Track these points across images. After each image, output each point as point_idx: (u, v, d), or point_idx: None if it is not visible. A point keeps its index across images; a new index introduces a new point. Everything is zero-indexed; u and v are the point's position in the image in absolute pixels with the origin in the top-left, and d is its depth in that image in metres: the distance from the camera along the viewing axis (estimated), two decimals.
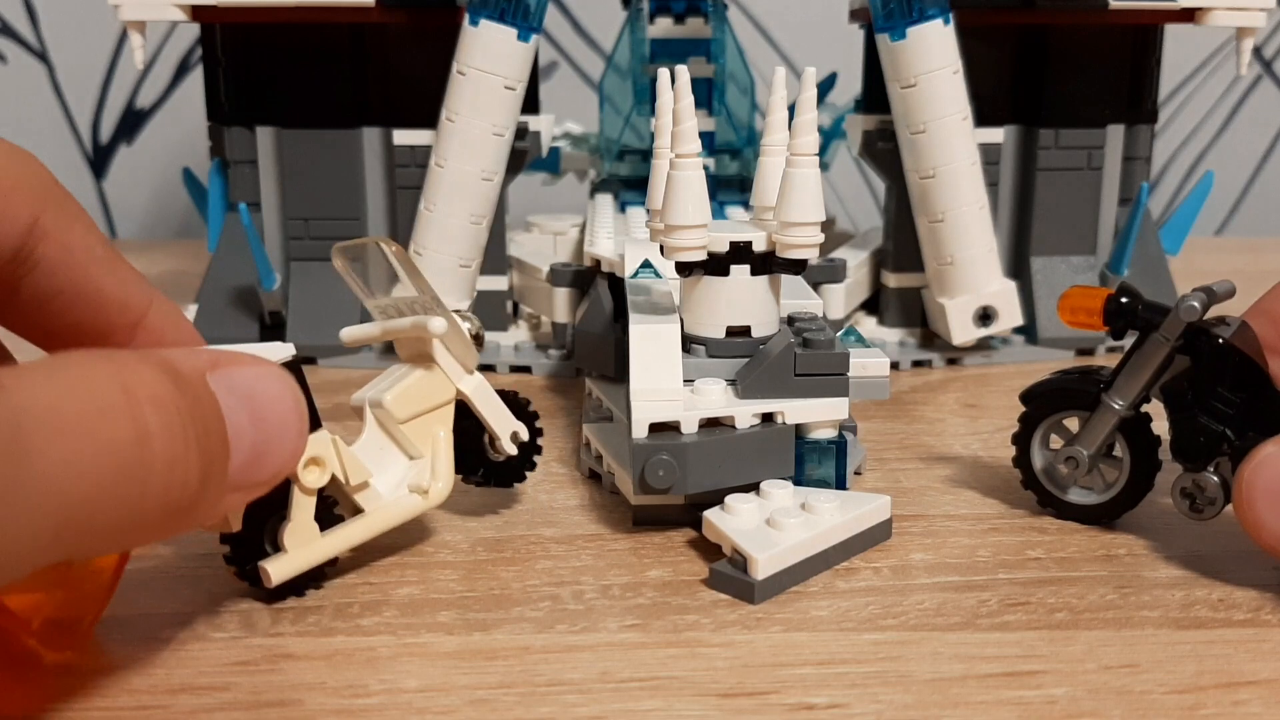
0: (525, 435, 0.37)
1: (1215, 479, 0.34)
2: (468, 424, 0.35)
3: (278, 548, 0.31)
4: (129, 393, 0.23)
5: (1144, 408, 0.36)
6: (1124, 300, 0.35)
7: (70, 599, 0.28)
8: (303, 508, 0.31)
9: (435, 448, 0.34)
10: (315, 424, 0.31)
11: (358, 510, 0.33)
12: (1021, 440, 0.38)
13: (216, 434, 0.25)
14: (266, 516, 0.31)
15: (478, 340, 0.35)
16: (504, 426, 0.36)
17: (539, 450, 0.38)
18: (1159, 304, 0.35)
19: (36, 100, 0.94)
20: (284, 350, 0.30)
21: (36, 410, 0.21)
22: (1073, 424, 0.37)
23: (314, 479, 0.31)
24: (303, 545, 0.31)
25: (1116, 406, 0.35)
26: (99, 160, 0.96)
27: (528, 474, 0.38)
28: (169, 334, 0.32)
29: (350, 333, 0.36)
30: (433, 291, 0.33)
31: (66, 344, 0.31)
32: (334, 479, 0.32)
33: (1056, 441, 0.38)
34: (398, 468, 0.34)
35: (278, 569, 0.31)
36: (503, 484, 0.38)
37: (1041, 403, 0.37)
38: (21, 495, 0.20)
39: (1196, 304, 0.33)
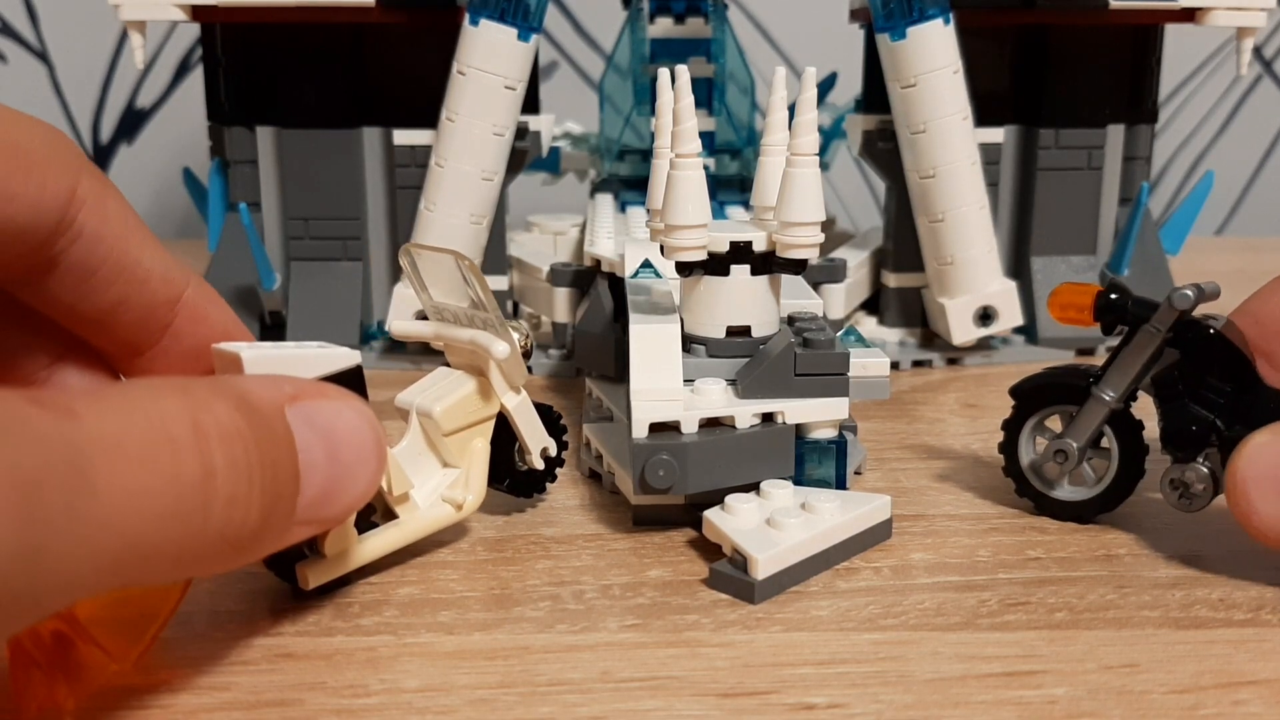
0: (554, 451, 0.37)
1: (1205, 469, 0.34)
2: (501, 434, 0.36)
3: (315, 550, 0.31)
4: (198, 428, 0.23)
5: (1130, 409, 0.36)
6: (1114, 296, 0.35)
7: (135, 609, 0.28)
8: None
9: (473, 459, 0.35)
10: None
11: (390, 515, 0.33)
12: (1009, 433, 0.38)
13: (286, 470, 0.25)
14: None
15: (526, 354, 0.35)
16: (537, 442, 0.36)
17: (562, 463, 0.38)
18: (1148, 299, 0.35)
19: (36, 100, 0.94)
20: (349, 357, 0.30)
21: (105, 440, 0.21)
22: (1055, 425, 0.37)
23: None
24: (341, 551, 0.31)
25: (1107, 398, 0.36)
26: (99, 160, 0.96)
27: (548, 485, 0.38)
28: (210, 312, 0.32)
29: (402, 328, 0.36)
30: (499, 311, 0.33)
31: (107, 326, 0.30)
32: None
33: (1041, 443, 0.38)
34: (433, 476, 0.35)
35: (315, 574, 0.31)
36: (524, 494, 0.37)
37: (1030, 397, 0.38)
38: (84, 523, 0.20)
39: (1190, 293, 0.34)
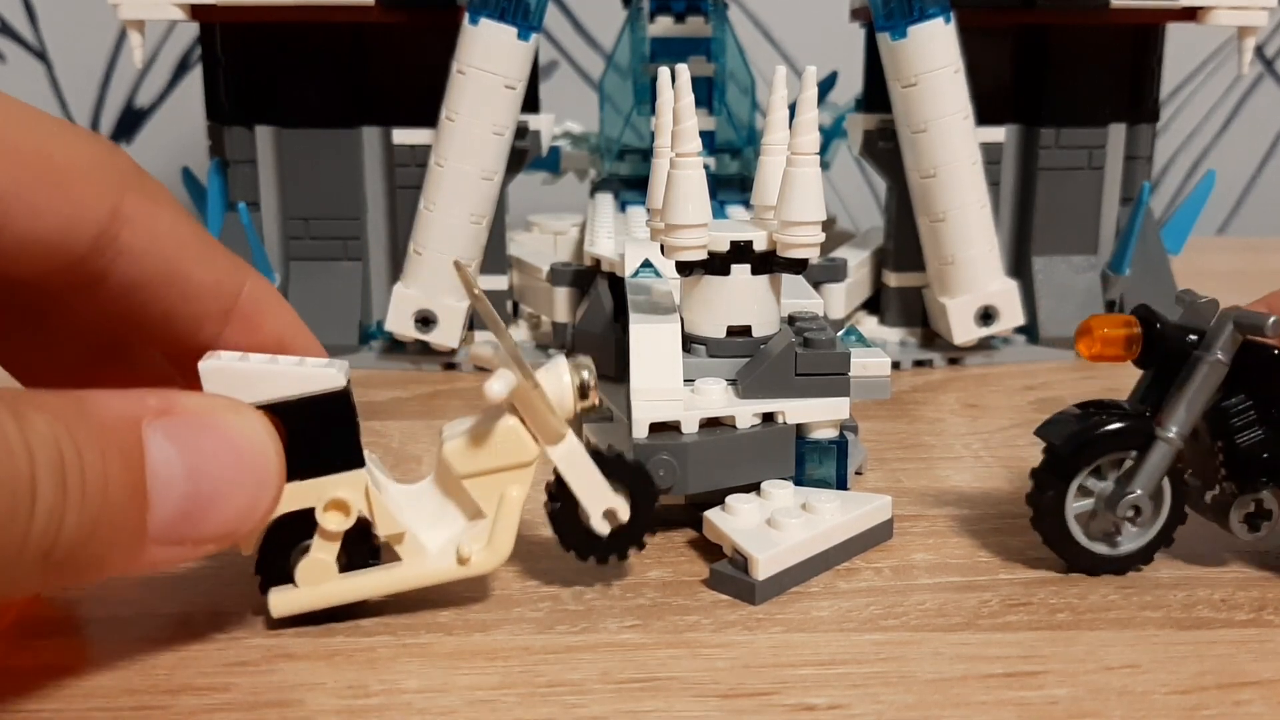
0: (624, 515, 0.31)
1: (1274, 497, 0.32)
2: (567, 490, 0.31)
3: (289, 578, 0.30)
4: (6, 435, 0.22)
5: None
6: (1157, 326, 0.33)
7: None
8: (322, 548, 0.30)
9: (500, 510, 0.30)
10: (356, 461, 0.29)
11: (398, 558, 0.30)
12: (1056, 492, 0.33)
13: (119, 485, 0.24)
14: (298, 540, 0.30)
15: (583, 392, 0.30)
16: (596, 503, 0.31)
17: (647, 527, 0.32)
18: (1185, 325, 0.33)
19: (35, 99, 0.94)
20: (332, 380, 0.29)
21: None
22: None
23: (335, 523, 0.29)
24: (313, 584, 0.30)
25: (1172, 437, 0.32)
26: None
27: (633, 551, 0.32)
28: (266, 318, 0.31)
29: (482, 351, 0.31)
30: (514, 345, 0.29)
31: (158, 334, 0.30)
32: None
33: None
34: (457, 521, 0.31)
35: (281, 602, 0.30)
36: (584, 558, 0.32)
37: (1079, 452, 0.32)
38: None
39: (1257, 320, 0.31)
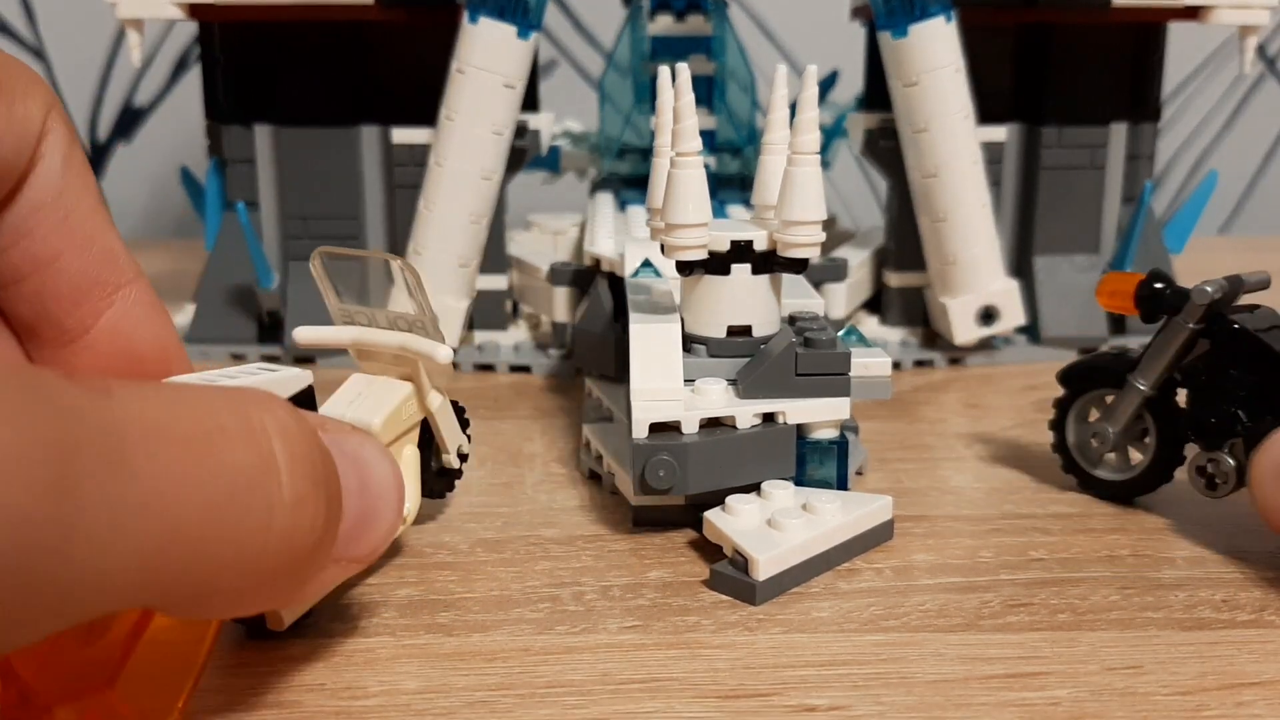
0: (467, 447, 0.35)
1: (1230, 459, 0.35)
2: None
3: None
4: (251, 420, 0.21)
5: None
6: (1156, 285, 0.36)
7: (167, 661, 0.25)
8: None
9: (406, 468, 0.32)
10: None
11: None
12: (1059, 412, 0.40)
13: (336, 488, 0.23)
14: None
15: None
16: (455, 440, 0.35)
17: (467, 458, 0.36)
18: (1185, 290, 0.36)
19: None
20: (300, 379, 0.28)
21: (145, 422, 0.19)
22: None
23: None
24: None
25: (1140, 387, 0.37)
26: (96, 159, 0.96)
27: (457, 482, 0.36)
28: (150, 318, 0.30)
29: (308, 335, 0.33)
30: (434, 314, 0.32)
31: (41, 291, 0.28)
32: None
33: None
34: None
35: (289, 610, 0.29)
36: (438, 495, 0.36)
37: (1075, 380, 0.39)
38: (120, 507, 0.18)
39: (1209, 288, 0.35)
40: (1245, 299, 0.36)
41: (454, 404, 0.35)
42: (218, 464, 0.20)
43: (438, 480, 0.36)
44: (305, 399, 0.29)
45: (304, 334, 0.34)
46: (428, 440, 0.34)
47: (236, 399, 0.21)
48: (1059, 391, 0.40)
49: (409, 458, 0.33)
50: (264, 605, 0.23)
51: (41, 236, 0.27)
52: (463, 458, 0.36)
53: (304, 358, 0.54)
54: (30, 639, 0.18)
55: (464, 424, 0.36)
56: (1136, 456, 0.38)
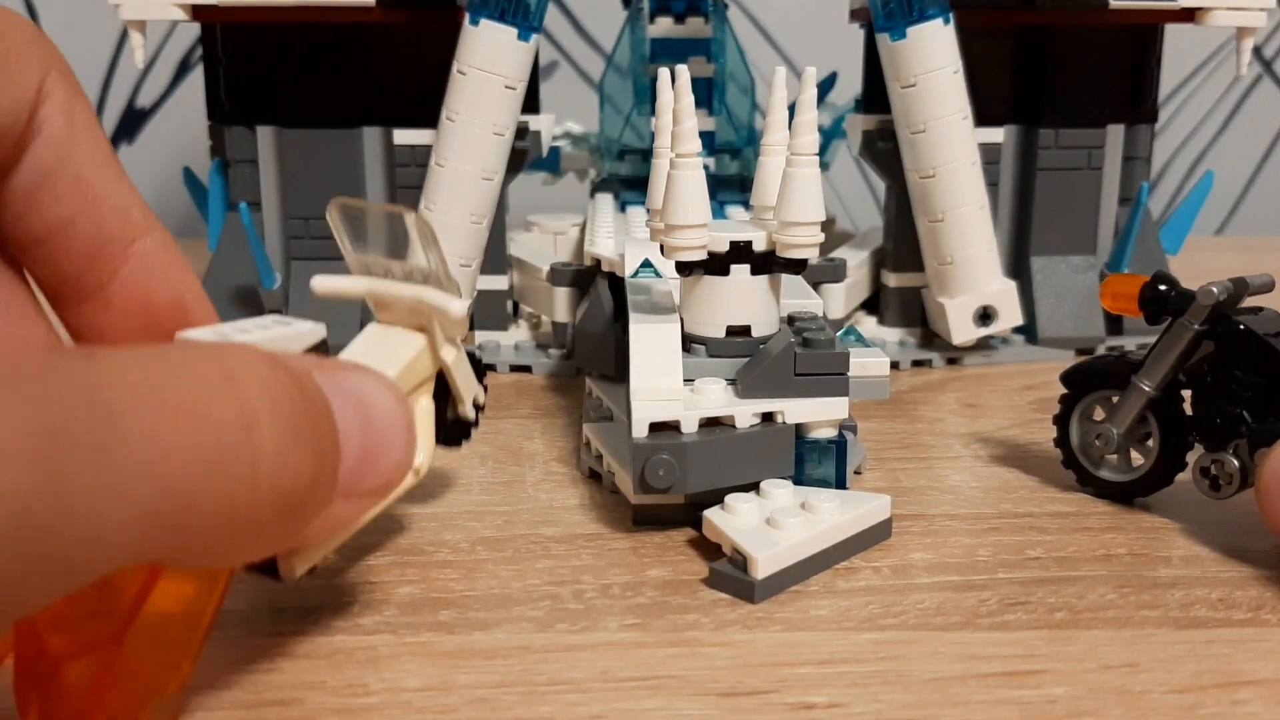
0: (484, 398, 0.36)
1: (1234, 460, 0.35)
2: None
3: None
4: (233, 376, 0.21)
5: None
6: (1160, 287, 0.36)
7: (173, 625, 0.26)
8: None
9: (421, 420, 0.32)
10: None
11: None
12: (1063, 411, 0.40)
13: (327, 430, 0.23)
14: None
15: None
16: (470, 391, 0.34)
17: (484, 408, 0.36)
18: (1190, 291, 0.36)
19: None
20: (314, 332, 0.28)
21: (127, 385, 0.19)
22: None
23: None
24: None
25: (1145, 388, 0.37)
26: None
27: (474, 431, 0.36)
28: (167, 269, 0.30)
29: (327, 284, 0.33)
30: (448, 268, 0.32)
31: (56, 251, 0.28)
32: None
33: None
34: None
35: (301, 560, 0.29)
36: (455, 444, 0.36)
37: (1078, 381, 0.39)
38: (112, 471, 0.18)
39: (1215, 289, 0.35)
40: (1248, 302, 0.36)
41: (471, 355, 0.35)
42: (202, 423, 0.20)
43: (453, 430, 0.35)
44: (319, 352, 0.28)
45: (321, 283, 0.33)
46: (445, 390, 0.34)
47: (218, 355, 0.21)
48: (1056, 391, 0.40)
49: (424, 409, 0.33)
50: (266, 550, 0.23)
51: (52, 202, 0.27)
52: (479, 408, 0.36)
53: None
54: (36, 607, 0.19)
55: (480, 374, 0.36)
56: (1138, 459, 0.39)
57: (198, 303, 0.31)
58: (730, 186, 0.64)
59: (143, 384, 0.20)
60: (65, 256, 0.29)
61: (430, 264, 0.32)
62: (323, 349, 0.29)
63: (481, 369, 0.35)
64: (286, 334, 0.28)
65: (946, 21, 0.52)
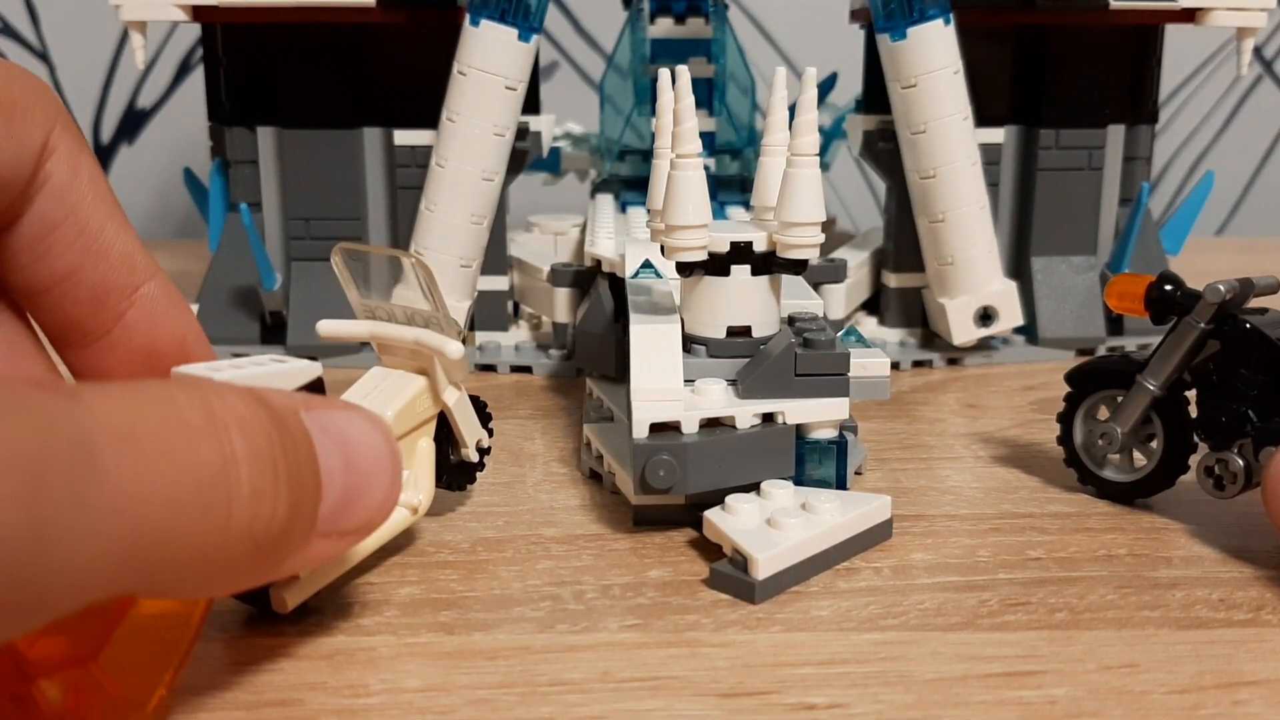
0: (487, 442, 0.36)
1: (1239, 459, 0.35)
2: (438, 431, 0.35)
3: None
4: (213, 417, 0.21)
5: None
6: (1166, 287, 0.37)
7: (151, 644, 0.26)
8: None
9: (420, 461, 0.33)
10: None
11: None
12: (1066, 411, 0.40)
13: (309, 471, 0.24)
14: None
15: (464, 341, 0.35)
16: (473, 435, 0.36)
17: (489, 451, 0.37)
18: (1195, 291, 0.36)
19: None
20: (310, 370, 0.29)
21: (110, 425, 0.20)
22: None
23: None
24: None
25: (1150, 387, 0.37)
26: (100, 160, 0.96)
27: (478, 475, 0.37)
28: (169, 312, 0.30)
29: (331, 328, 0.34)
30: (448, 311, 0.33)
31: (61, 299, 0.29)
32: None
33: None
34: None
35: (293, 594, 0.30)
36: (459, 488, 0.37)
37: (1083, 381, 0.39)
38: (91, 510, 0.19)
39: (1222, 288, 0.35)
40: (1254, 303, 0.36)
41: (475, 399, 0.36)
42: (180, 463, 0.21)
43: (456, 473, 0.36)
44: (314, 391, 0.29)
45: (326, 327, 0.35)
46: (448, 434, 0.35)
47: (200, 395, 0.22)
48: (1057, 392, 0.40)
49: (424, 450, 0.34)
50: (240, 585, 0.24)
51: (58, 253, 0.28)
52: (484, 452, 0.37)
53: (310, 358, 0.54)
54: (11, 636, 0.19)
55: (485, 419, 0.36)
56: (1141, 459, 0.39)
57: (198, 343, 0.31)
58: (731, 187, 0.64)
59: (124, 423, 0.20)
60: (70, 304, 0.29)
61: (431, 306, 0.32)
62: (318, 387, 0.29)
63: (486, 414, 0.37)
64: (280, 371, 0.28)
65: (947, 22, 0.52)
